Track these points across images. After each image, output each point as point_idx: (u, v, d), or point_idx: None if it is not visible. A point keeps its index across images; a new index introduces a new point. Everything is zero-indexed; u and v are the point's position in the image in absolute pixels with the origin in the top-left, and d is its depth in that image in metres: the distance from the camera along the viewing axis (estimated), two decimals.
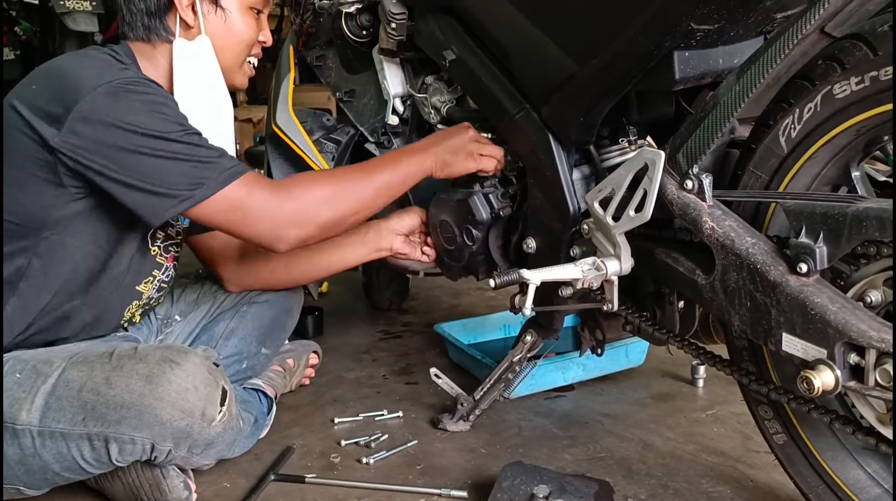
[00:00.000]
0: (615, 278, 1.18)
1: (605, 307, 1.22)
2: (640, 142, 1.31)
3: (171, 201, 1.17)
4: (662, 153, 1.06)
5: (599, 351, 1.48)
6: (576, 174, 1.33)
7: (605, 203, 1.17)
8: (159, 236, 1.40)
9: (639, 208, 1.10)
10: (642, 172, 1.10)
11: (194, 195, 1.17)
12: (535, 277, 1.14)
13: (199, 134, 1.22)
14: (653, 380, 1.76)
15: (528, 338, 1.46)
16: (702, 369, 1.75)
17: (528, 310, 1.17)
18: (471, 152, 1.38)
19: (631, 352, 1.79)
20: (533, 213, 1.36)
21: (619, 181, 1.13)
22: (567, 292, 1.28)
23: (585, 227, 1.24)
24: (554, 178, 1.30)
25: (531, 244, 1.37)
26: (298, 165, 1.78)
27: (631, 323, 1.36)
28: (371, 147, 1.76)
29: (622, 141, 1.30)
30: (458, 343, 1.81)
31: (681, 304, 1.31)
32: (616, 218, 1.15)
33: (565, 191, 1.29)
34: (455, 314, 2.23)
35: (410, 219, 1.54)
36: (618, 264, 1.17)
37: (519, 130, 1.34)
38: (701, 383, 1.74)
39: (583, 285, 1.17)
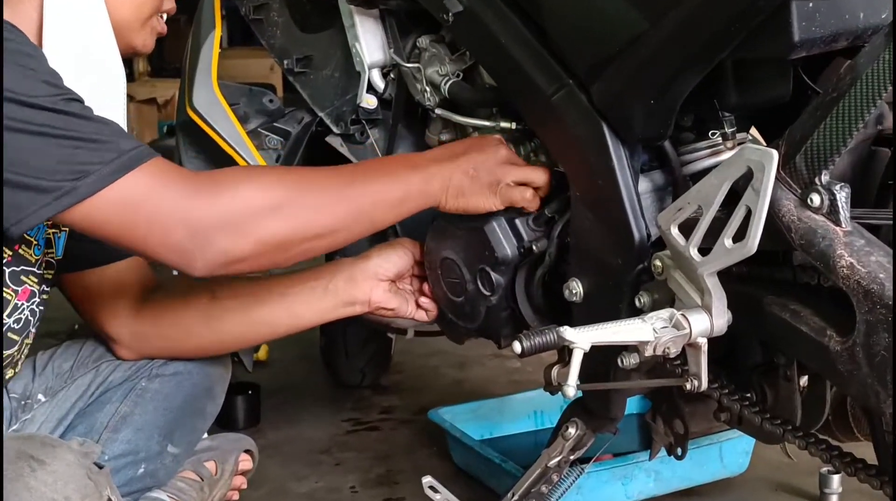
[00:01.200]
0: (703, 342, 1.18)
1: (687, 386, 1.21)
2: (740, 137, 1.31)
3: (43, 196, 1.16)
4: (775, 153, 1.07)
5: (680, 453, 1.47)
6: (643, 185, 1.34)
7: (687, 228, 1.17)
8: (6, 254, 1.40)
9: (739, 236, 1.10)
10: (744, 182, 1.10)
11: (77, 189, 1.16)
12: (582, 338, 1.14)
13: (82, 101, 1.22)
14: (762, 496, 1.75)
15: (572, 431, 1.46)
16: (835, 479, 1.75)
17: (573, 389, 1.16)
18: (497, 180, 1.40)
19: (727, 454, 1.78)
20: (579, 243, 1.36)
21: (709, 195, 1.13)
22: (631, 361, 1.28)
23: (658, 263, 1.24)
24: (610, 190, 1.30)
25: (576, 289, 1.37)
26: (224, 166, 1.79)
27: (727, 410, 1.36)
28: (335, 142, 1.78)
29: (713, 135, 1.30)
30: (465, 439, 1.82)
31: (804, 381, 1.30)
32: (704, 251, 1.15)
33: (627, 209, 1.30)
34: (461, 395, 2.22)
35: (399, 258, 1.54)
36: (707, 321, 1.17)
37: (557, 119, 1.35)
38: (835, 499, 1.74)
39: (654, 351, 1.16)
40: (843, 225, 1.06)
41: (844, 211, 1.06)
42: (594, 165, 1.32)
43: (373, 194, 1.35)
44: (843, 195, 1.07)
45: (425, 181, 1.38)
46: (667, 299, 1.25)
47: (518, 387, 2.24)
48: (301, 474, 1.86)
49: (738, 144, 1.30)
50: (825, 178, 1.08)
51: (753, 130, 1.39)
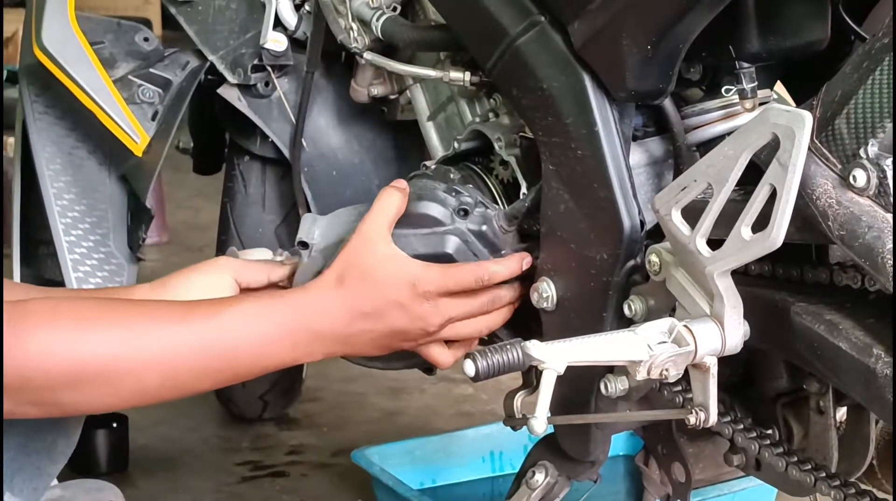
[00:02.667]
0: (713, 362, 1.18)
1: (691, 420, 1.21)
2: (761, 95, 1.32)
3: None
4: (808, 117, 1.07)
5: None
6: (636, 156, 1.35)
7: (693, 214, 1.17)
8: None
9: (759, 225, 1.10)
10: (768, 155, 1.10)
11: None
12: (554, 357, 1.14)
13: None
14: None
15: (540, 478, 1.46)
16: None
17: (542, 423, 1.16)
18: (422, 331, 1.37)
19: None
20: (551, 232, 1.37)
21: (723, 171, 1.13)
22: (617, 387, 1.29)
23: (655, 259, 1.24)
24: (593, 162, 1.31)
25: (547, 293, 1.37)
26: (84, 129, 1.77)
27: (742, 451, 1.36)
28: (231, 95, 1.78)
29: (728, 92, 1.31)
30: (399, 488, 1.81)
31: (841, 413, 1.31)
32: (715, 243, 1.15)
33: (615, 187, 1.30)
34: (394, 430, 2.20)
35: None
36: (718, 334, 1.17)
37: (525, 68, 1.35)
38: None
39: (649, 373, 1.17)
40: None
41: None
42: (572, 129, 1.32)
43: (224, 370, 1.32)
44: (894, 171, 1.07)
45: (307, 355, 1.36)
46: (665, 305, 1.25)
47: (469, 421, 2.23)
48: None
49: (760, 104, 1.31)
50: (873, 149, 1.07)
51: (779, 87, 1.40)
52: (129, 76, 1.79)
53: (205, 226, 3.40)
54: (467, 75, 1.51)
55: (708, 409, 1.20)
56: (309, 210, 1.78)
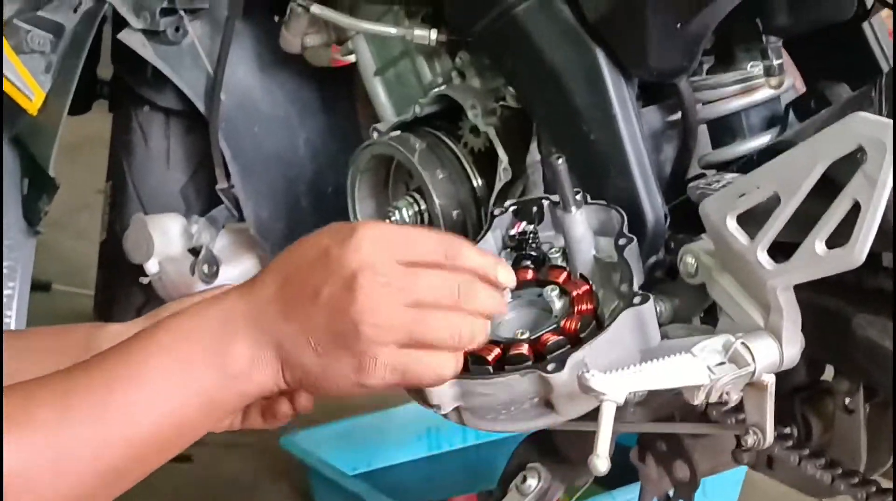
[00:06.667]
0: (770, 380, 1.16)
1: (749, 442, 1.20)
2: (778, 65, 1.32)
3: None
4: (892, 125, 1.04)
5: None
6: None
7: (745, 219, 1.15)
8: None
9: (834, 238, 1.08)
10: (847, 165, 1.07)
11: None
12: (615, 388, 1.08)
13: None
14: None
15: (532, 483, 1.45)
16: None
17: (605, 462, 1.09)
18: (387, 319, 1.02)
19: (712, 485, 1.78)
20: None
21: (793, 179, 1.10)
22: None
23: (691, 261, 1.22)
24: (610, 148, 1.30)
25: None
26: None
27: (749, 449, 1.36)
28: (134, 41, 1.69)
29: (753, 67, 1.31)
30: (334, 476, 1.79)
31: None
32: (779, 254, 1.13)
33: (635, 176, 1.29)
34: (315, 405, 2.15)
35: None
36: (776, 350, 1.15)
37: (526, 38, 1.32)
38: None
39: (708, 398, 1.14)
40: None
41: None
42: (584, 110, 1.30)
43: (137, 434, 1.03)
44: None
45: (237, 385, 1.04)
46: (694, 308, 1.25)
47: (402, 397, 2.21)
48: None
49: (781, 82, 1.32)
50: None
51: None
52: (16, 21, 1.68)
53: None
54: (433, 34, 1.46)
55: (765, 429, 1.19)
56: (226, 170, 1.70)
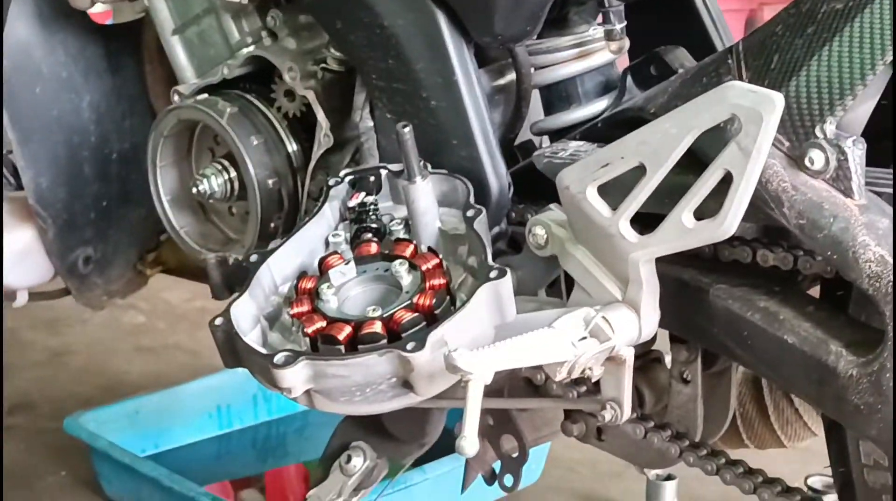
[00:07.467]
0: (629, 354, 1.16)
1: (606, 417, 1.20)
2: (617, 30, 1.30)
3: None
4: (779, 99, 1.03)
5: (511, 483, 1.46)
6: None
7: (605, 190, 1.14)
8: None
9: (702, 211, 1.07)
10: (717, 135, 1.06)
11: None
12: (481, 366, 1.05)
13: None
14: None
15: (357, 462, 1.41)
16: (669, 488, 1.82)
17: (473, 444, 1.06)
18: None
19: None
20: None
21: (661, 149, 1.09)
22: None
23: (540, 232, 1.20)
24: (452, 115, 1.27)
25: None
26: None
27: (582, 421, 1.36)
28: None
29: (593, 30, 1.31)
30: (125, 459, 1.72)
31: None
32: (644, 228, 1.12)
33: (479, 145, 1.27)
34: (66, 375, 2.12)
35: None
36: (635, 323, 1.15)
37: (358, 3, 1.28)
38: None
39: (570, 374, 1.12)
40: (857, 196, 1.06)
41: (859, 176, 1.06)
42: (423, 76, 1.28)
43: None
44: (856, 154, 1.06)
45: None
46: (539, 280, 1.25)
47: (153, 358, 2.22)
48: None
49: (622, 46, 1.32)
50: (831, 128, 1.07)
51: None
52: None
53: None
54: None
55: (622, 404, 1.19)
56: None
